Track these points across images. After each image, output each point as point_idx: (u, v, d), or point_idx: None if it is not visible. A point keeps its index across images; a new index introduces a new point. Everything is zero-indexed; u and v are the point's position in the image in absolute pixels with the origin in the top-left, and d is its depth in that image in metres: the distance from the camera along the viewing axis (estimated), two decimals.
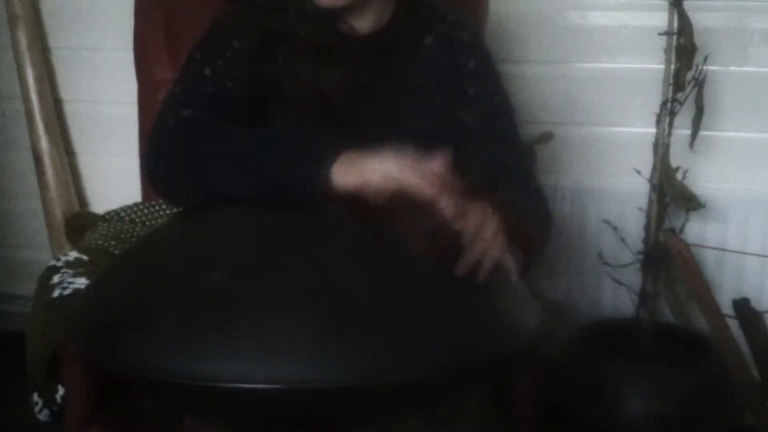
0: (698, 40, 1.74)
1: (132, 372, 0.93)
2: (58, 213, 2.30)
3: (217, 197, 1.13)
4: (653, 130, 1.80)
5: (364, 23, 1.38)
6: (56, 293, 1.34)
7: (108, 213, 1.64)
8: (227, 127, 1.22)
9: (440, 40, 1.41)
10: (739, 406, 1.80)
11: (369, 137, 1.10)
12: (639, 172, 1.84)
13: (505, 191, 1.25)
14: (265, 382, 0.87)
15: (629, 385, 1.76)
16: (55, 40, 2.35)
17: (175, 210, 1.53)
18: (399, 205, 1.04)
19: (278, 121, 1.30)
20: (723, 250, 1.96)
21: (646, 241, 1.85)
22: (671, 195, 1.82)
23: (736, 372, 1.74)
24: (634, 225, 1.94)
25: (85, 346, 1.01)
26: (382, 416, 1.01)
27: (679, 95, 1.77)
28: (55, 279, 1.36)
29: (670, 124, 1.79)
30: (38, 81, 2.29)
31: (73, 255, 1.42)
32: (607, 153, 2.07)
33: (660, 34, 1.75)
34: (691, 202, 1.84)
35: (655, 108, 1.79)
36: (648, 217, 1.84)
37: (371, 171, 1.06)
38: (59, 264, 1.39)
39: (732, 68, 1.96)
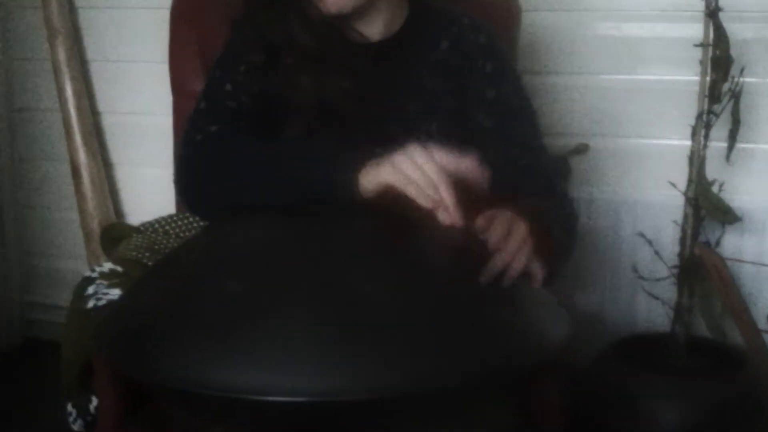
0: (734, 51, 1.72)
1: (157, 382, 0.93)
2: (95, 224, 2.33)
3: (246, 207, 1.15)
4: (688, 143, 1.79)
5: (374, 29, 1.38)
6: (91, 304, 1.35)
7: (143, 224, 1.66)
8: (252, 140, 1.25)
9: (456, 43, 1.41)
10: None
11: (383, 142, 1.12)
12: (674, 185, 1.82)
13: (527, 196, 1.24)
14: (291, 395, 0.86)
15: (662, 399, 1.74)
16: (92, 53, 2.38)
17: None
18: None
19: (289, 131, 1.31)
20: (760, 264, 1.93)
21: (681, 254, 1.83)
22: (707, 208, 1.80)
23: None
24: (669, 238, 1.92)
25: (113, 355, 1.02)
26: (409, 428, 1.00)
27: (715, 107, 1.75)
28: (90, 290, 1.37)
29: (706, 137, 1.77)
30: (76, 93, 2.32)
31: (107, 266, 1.43)
32: (641, 165, 2.05)
33: (695, 45, 1.74)
34: (727, 216, 1.82)
35: (690, 120, 1.78)
36: (683, 231, 1.82)
37: (397, 169, 1.08)
38: (94, 275, 1.40)
39: None
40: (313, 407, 0.87)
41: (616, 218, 2.05)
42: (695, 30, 1.75)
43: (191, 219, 1.66)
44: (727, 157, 1.80)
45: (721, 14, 1.70)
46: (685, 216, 1.82)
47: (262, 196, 1.16)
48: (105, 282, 1.38)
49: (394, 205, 1.07)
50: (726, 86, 1.74)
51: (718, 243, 1.84)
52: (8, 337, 2.53)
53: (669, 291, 1.87)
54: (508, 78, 1.43)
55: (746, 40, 1.86)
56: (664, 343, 1.86)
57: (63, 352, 1.40)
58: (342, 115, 1.30)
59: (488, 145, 1.31)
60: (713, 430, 1.71)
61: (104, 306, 1.33)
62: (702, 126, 1.76)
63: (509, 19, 1.72)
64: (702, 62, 1.74)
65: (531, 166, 1.37)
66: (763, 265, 1.93)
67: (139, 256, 1.50)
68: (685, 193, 1.81)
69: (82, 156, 2.33)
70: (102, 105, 2.41)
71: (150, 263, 1.47)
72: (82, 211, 2.35)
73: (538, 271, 1.10)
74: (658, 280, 1.90)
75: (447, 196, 1.05)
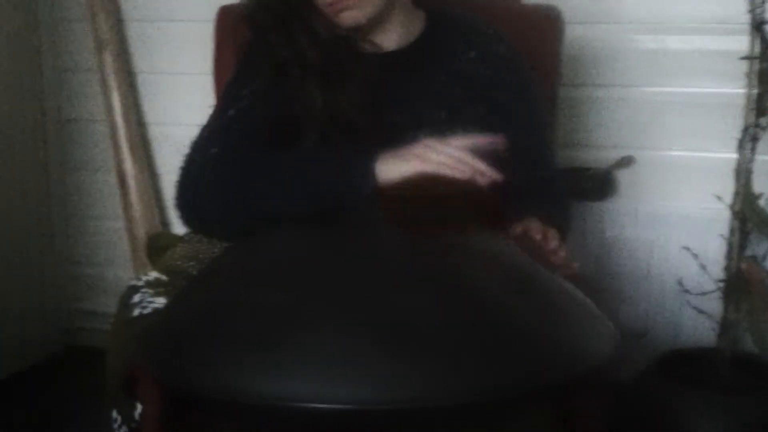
0: None
1: (199, 392, 0.94)
2: (141, 233, 2.35)
3: (261, 222, 1.19)
4: (734, 156, 1.77)
5: (389, 39, 1.40)
6: (136, 312, 1.37)
7: (187, 234, 1.67)
8: (261, 152, 1.28)
9: (483, 54, 1.42)
10: None
11: (398, 148, 1.18)
12: (720, 199, 1.80)
13: (541, 204, 1.34)
14: (335, 402, 0.87)
15: (707, 415, 1.72)
16: (140, 65, 2.41)
17: None
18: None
19: (303, 143, 1.33)
20: None
21: (727, 268, 1.81)
22: (753, 222, 1.78)
23: None
24: (715, 252, 1.90)
25: (155, 364, 1.03)
26: None
27: (762, 120, 1.74)
28: (136, 298, 1.39)
29: (753, 150, 1.75)
30: (123, 104, 2.35)
31: (153, 275, 1.45)
32: (686, 178, 2.04)
33: (741, 58, 1.73)
34: None
35: (736, 133, 1.76)
36: (729, 245, 1.80)
37: (414, 158, 1.15)
38: (140, 283, 1.42)
39: None
40: (353, 415, 0.88)
41: (662, 232, 2.04)
42: (739, 43, 1.74)
43: None
44: None
45: (766, 27, 1.69)
46: (731, 230, 1.80)
47: (279, 203, 1.20)
48: (150, 291, 1.40)
49: (416, 194, 1.11)
50: None
51: (765, 257, 1.82)
52: (55, 344, 2.57)
53: (715, 306, 1.85)
54: (529, 90, 1.46)
55: None
56: (709, 358, 1.84)
57: (108, 359, 1.41)
58: (355, 126, 1.32)
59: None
60: None
61: (149, 314, 1.35)
62: (748, 139, 1.75)
63: (551, 31, 1.72)
64: (748, 75, 1.73)
65: (544, 178, 1.44)
66: None
67: (184, 265, 1.52)
68: (731, 207, 1.79)
69: (129, 166, 2.36)
70: (149, 116, 2.44)
71: (195, 272, 1.48)
72: (128, 220, 2.38)
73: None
74: (704, 294, 1.88)
75: (476, 162, 1.15)
